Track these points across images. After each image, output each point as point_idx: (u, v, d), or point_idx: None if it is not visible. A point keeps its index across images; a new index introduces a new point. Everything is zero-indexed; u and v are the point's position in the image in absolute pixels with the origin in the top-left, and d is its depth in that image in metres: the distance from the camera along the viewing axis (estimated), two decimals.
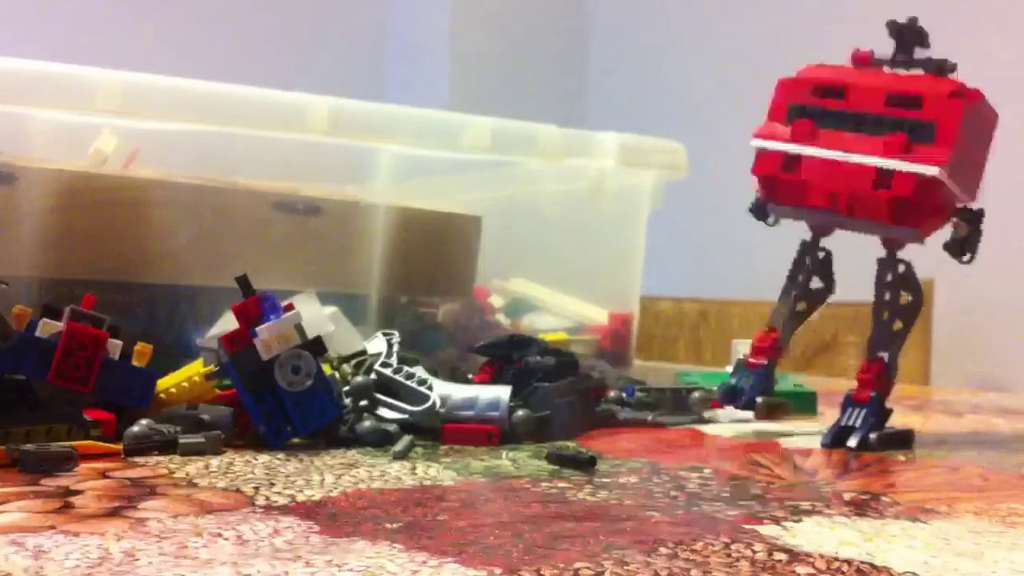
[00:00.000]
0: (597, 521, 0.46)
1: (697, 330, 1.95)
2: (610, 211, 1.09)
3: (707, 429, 0.76)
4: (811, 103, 0.70)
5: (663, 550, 0.39)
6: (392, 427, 0.65)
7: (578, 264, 1.05)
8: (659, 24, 2.50)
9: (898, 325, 0.70)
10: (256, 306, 0.63)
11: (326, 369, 0.66)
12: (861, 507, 0.50)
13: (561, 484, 0.54)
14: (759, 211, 0.73)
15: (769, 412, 0.77)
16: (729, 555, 0.39)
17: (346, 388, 0.68)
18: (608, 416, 0.76)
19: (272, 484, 0.52)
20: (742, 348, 0.89)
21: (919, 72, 0.69)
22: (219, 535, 0.42)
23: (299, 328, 0.63)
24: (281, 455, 0.60)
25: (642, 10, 2.57)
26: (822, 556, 0.40)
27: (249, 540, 0.41)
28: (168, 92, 0.81)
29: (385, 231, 0.89)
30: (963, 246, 0.68)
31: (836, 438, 0.68)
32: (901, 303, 0.70)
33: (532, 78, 2.63)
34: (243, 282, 0.63)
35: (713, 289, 2.03)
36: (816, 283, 0.74)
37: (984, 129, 0.69)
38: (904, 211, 0.66)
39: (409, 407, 0.67)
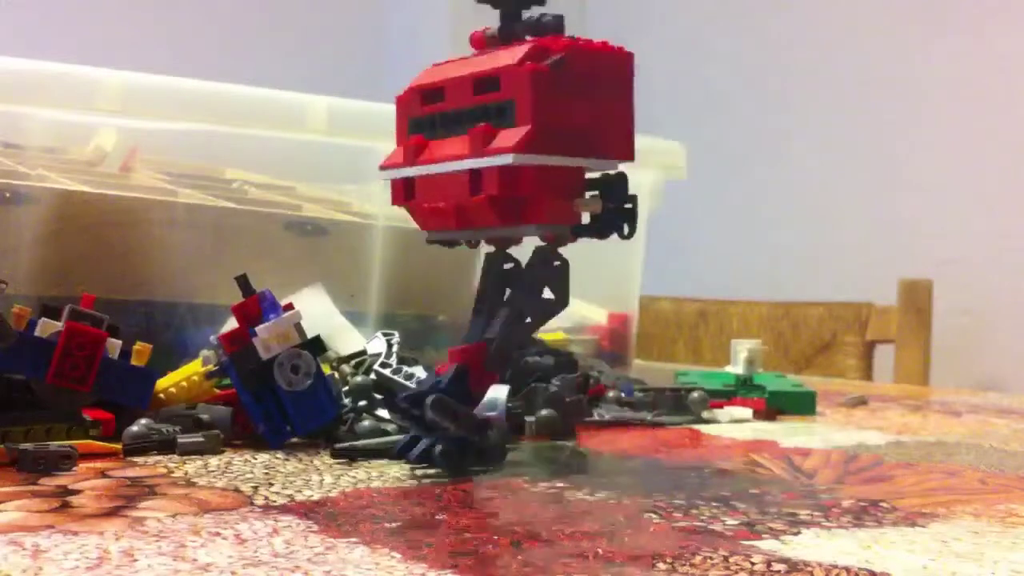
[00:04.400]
0: (596, 527, 0.45)
1: (696, 330, 1.95)
2: None
3: (705, 429, 0.76)
4: (422, 113, 0.61)
5: (662, 565, 0.39)
6: (391, 427, 0.65)
7: (577, 264, 1.05)
8: (658, 24, 2.50)
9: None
10: (255, 305, 0.63)
11: (325, 369, 0.66)
12: (859, 514, 0.49)
13: (560, 484, 0.54)
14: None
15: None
16: (728, 567, 0.39)
17: (345, 388, 0.68)
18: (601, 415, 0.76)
19: (271, 483, 0.52)
20: (741, 348, 0.89)
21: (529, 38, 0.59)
22: (218, 534, 0.42)
23: (298, 327, 0.63)
24: (280, 455, 0.60)
25: (641, 11, 2.57)
26: (820, 564, 0.40)
27: (248, 539, 0.41)
28: (168, 92, 0.81)
29: (385, 250, 0.89)
30: (612, 223, 0.60)
31: (405, 447, 0.59)
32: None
33: None
34: (242, 282, 0.63)
35: (712, 289, 2.02)
36: (547, 294, 0.62)
37: (605, 79, 0.59)
38: (508, 208, 0.57)
39: None
